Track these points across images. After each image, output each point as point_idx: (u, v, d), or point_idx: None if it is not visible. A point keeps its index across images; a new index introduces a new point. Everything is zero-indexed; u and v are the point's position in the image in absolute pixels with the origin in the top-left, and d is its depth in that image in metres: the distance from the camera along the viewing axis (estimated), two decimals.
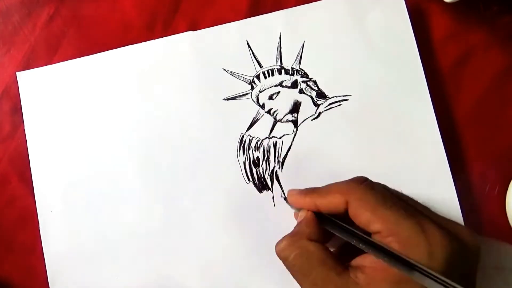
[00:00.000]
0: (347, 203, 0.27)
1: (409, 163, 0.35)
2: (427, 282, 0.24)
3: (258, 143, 0.36)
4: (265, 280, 0.34)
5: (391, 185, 0.30)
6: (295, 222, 0.31)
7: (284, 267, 0.27)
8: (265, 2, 0.38)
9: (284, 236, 0.29)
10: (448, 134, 0.35)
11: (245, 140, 0.36)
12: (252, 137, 0.36)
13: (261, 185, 0.36)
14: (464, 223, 0.34)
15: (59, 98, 0.37)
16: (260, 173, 0.36)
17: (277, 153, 0.36)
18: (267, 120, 0.36)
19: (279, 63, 0.37)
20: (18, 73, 0.38)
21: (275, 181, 0.36)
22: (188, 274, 0.35)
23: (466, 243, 0.26)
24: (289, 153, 0.36)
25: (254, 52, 0.37)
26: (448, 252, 0.25)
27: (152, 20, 0.39)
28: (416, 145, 0.35)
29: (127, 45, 0.37)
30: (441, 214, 0.29)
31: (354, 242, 0.27)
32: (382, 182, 0.30)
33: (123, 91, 0.37)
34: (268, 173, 0.36)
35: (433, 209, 0.29)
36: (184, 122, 0.36)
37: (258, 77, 0.37)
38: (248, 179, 0.36)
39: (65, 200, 0.36)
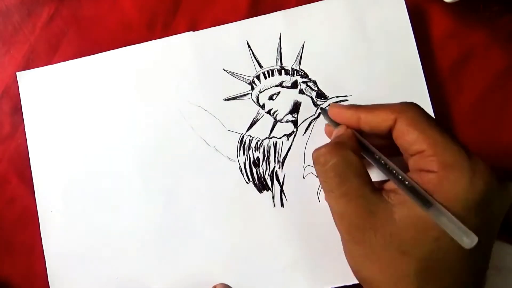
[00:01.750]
0: (395, 120, 0.26)
1: None
2: (442, 220, 0.23)
3: (258, 143, 0.36)
4: (265, 280, 0.34)
5: None
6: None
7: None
8: (265, 2, 0.38)
9: (325, 144, 0.28)
10: None
11: (245, 140, 0.36)
12: (252, 137, 0.36)
13: (261, 185, 0.36)
14: None
15: (59, 98, 0.37)
16: (260, 173, 0.36)
17: (277, 153, 0.36)
18: (267, 120, 0.36)
19: (279, 63, 0.37)
20: (18, 73, 0.38)
21: (275, 181, 0.36)
22: (188, 274, 0.35)
23: (502, 188, 0.25)
24: (289, 153, 0.36)
25: (254, 52, 0.37)
26: (488, 185, 0.24)
27: (152, 20, 0.39)
28: None
29: (127, 45, 0.37)
30: None
31: (380, 167, 0.27)
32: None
33: (123, 91, 0.37)
34: (268, 173, 0.36)
35: None
36: (184, 122, 0.36)
37: (258, 77, 0.37)
38: (248, 179, 0.36)
39: (65, 200, 0.36)
